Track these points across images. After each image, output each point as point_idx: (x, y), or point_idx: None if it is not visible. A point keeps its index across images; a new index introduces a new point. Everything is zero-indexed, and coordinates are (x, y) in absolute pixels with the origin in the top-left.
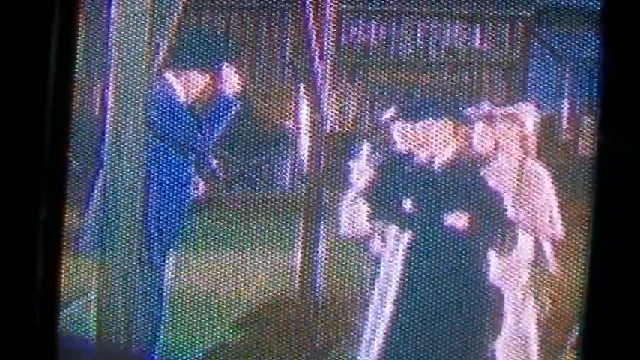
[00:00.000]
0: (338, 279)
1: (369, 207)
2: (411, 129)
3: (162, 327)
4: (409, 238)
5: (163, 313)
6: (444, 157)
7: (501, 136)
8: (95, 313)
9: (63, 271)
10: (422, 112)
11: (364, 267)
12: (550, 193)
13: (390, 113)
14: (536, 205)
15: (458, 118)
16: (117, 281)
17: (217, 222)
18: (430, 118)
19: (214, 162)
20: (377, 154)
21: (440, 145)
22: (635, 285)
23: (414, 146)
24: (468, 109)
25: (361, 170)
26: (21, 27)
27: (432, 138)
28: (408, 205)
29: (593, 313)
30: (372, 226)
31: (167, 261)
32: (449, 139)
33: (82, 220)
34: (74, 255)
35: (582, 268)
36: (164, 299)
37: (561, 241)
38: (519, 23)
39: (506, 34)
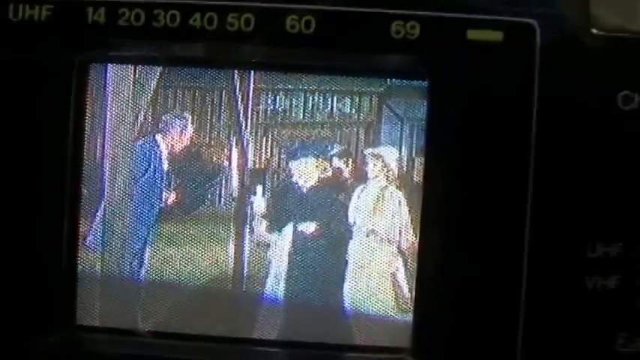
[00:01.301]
0: (255, 268)
1: (268, 218)
2: (297, 165)
3: None
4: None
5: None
6: (312, 183)
7: (360, 170)
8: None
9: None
10: (306, 154)
11: (265, 258)
12: (397, 210)
13: (287, 155)
14: (387, 219)
15: (328, 157)
16: None
17: (177, 227)
18: (311, 157)
19: (176, 190)
20: (278, 182)
21: (312, 174)
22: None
23: (298, 176)
24: (337, 151)
25: (267, 192)
26: (45, 108)
27: (309, 170)
28: (294, 216)
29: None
30: (269, 231)
31: (144, 255)
32: (322, 171)
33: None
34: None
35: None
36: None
37: (409, 247)
38: (375, 96)
39: (367, 103)
